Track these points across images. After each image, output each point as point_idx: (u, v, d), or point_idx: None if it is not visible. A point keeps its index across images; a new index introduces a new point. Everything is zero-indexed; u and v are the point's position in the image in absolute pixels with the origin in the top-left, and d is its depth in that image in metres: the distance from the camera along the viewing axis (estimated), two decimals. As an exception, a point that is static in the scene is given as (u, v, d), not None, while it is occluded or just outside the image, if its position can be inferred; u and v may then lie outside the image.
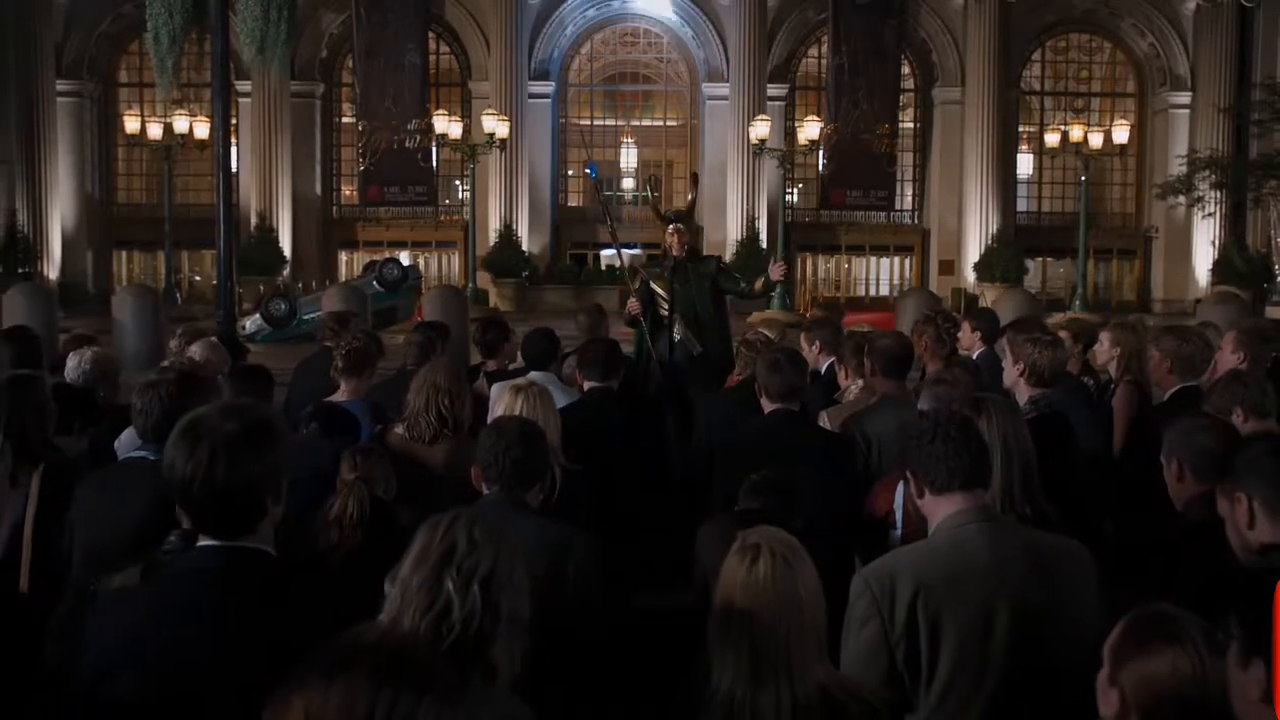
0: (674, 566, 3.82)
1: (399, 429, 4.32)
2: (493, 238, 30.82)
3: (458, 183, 33.03)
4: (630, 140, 34.97)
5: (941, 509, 2.68)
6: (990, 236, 32.02)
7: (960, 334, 5.88)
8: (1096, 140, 26.76)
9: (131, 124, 27.41)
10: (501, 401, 4.12)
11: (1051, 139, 28.05)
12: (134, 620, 2.15)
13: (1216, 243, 31.90)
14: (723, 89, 32.28)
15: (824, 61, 33.06)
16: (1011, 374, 4.56)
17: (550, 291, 30.77)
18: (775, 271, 7.79)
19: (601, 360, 5.07)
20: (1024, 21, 32.70)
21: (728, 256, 27.14)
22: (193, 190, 30.84)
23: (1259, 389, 3.91)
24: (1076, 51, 34.78)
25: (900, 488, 3.53)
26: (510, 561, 2.13)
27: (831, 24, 32.04)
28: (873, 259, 34.74)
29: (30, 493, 3.58)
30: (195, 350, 5.56)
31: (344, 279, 29.37)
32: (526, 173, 31.92)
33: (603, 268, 32.14)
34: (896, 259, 34.74)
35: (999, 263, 31.18)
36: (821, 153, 30.41)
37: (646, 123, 35.22)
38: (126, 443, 4.05)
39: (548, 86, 33.27)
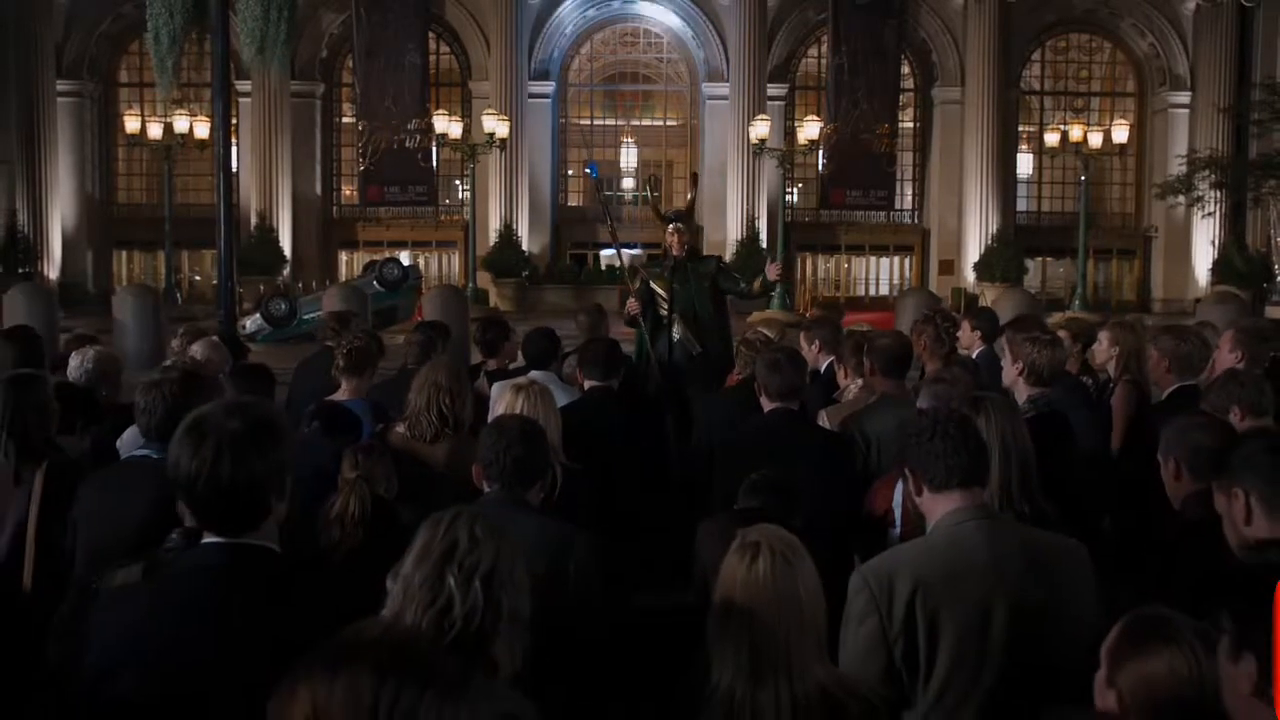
0: (674, 566, 3.83)
1: (400, 428, 4.33)
2: (493, 238, 30.84)
3: (458, 183, 33.05)
4: (630, 140, 34.99)
5: (940, 507, 2.69)
6: (990, 236, 32.05)
7: (960, 333, 5.90)
8: (1096, 140, 26.78)
9: (132, 124, 27.44)
10: (503, 400, 4.13)
11: (1051, 139, 28.07)
12: (137, 617, 2.15)
13: (1216, 242, 31.92)
14: (723, 89, 32.30)
15: (824, 61, 33.08)
16: (1010, 373, 4.58)
17: (550, 291, 30.79)
18: (771, 272, 7.80)
19: (602, 360, 5.08)
20: (1024, 21, 32.71)
21: (728, 256, 27.13)
22: (193, 190, 30.87)
23: (1256, 388, 3.92)
24: (1076, 51, 34.79)
25: (899, 487, 3.54)
26: (511, 559, 2.14)
27: (831, 24, 32.05)
28: (872, 259, 34.76)
29: (33, 491, 3.60)
30: (197, 350, 5.57)
31: (344, 279, 29.39)
32: (526, 173, 31.93)
33: (603, 268, 32.15)
34: (896, 259, 34.76)
35: (999, 262, 31.20)
36: (821, 153, 30.43)
37: (646, 123, 35.23)
38: (129, 442, 4.07)
39: (548, 86, 33.29)
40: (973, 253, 32.14)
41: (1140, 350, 5.39)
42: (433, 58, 32.96)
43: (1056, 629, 2.58)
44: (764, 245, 30.39)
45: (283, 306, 19.49)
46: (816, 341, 6.16)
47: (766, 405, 4.44)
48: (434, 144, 29.49)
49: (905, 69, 33.47)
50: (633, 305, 7.62)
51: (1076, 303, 25.31)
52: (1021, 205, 34.38)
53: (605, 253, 32.46)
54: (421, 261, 31.11)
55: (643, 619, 3.83)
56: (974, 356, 5.75)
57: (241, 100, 30.40)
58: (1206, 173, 27.73)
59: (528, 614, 2.14)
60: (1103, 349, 5.64)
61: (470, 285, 25.46)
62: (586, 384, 5.14)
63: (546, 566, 2.85)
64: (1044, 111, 34.50)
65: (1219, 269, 31.22)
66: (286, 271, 30.97)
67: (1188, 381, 4.80)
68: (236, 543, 2.16)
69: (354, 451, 3.74)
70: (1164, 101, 33.45)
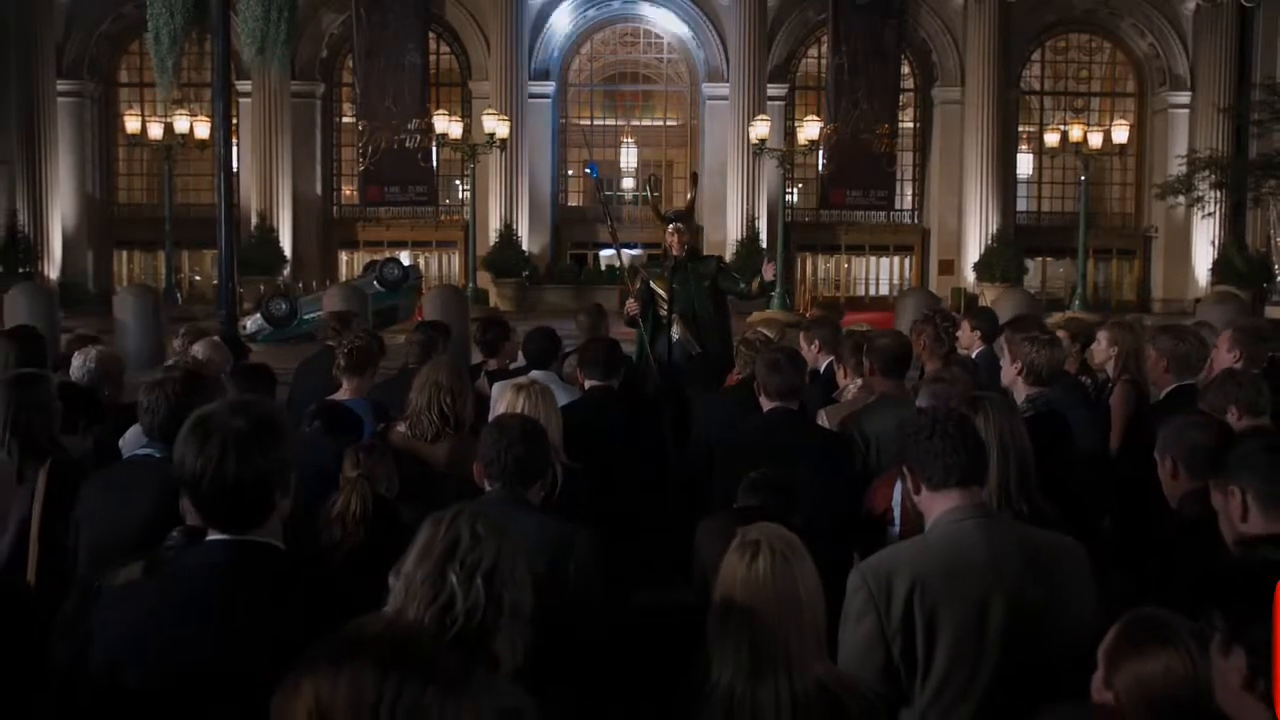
0: (673, 565, 3.84)
1: (401, 427, 4.35)
2: (493, 238, 30.84)
3: (458, 183, 33.05)
4: (630, 140, 34.99)
5: (938, 505, 2.70)
6: (990, 236, 32.04)
7: (959, 333, 5.91)
8: (1096, 140, 26.79)
9: (132, 124, 27.45)
10: (503, 400, 4.14)
11: (1051, 139, 28.08)
12: (140, 615, 2.17)
13: (1216, 242, 31.90)
14: (723, 89, 32.30)
15: (824, 61, 33.07)
16: (1009, 373, 4.59)
17: (550, 291, 30.79)
18: (767, 271, 7.84)
19: (602, 359, 5.09)
20: (1024, 21, 32.71)
21: (728, 256, 27.14)
22: (193, 190, 30.88)
23: (1254, 387, 3.94)
24: (1076, 51, 34.79)
25: (898, 486, 3.55)
26: (512, 556, 2.16)
27: (831, 24, 32.05)
28: (872, 259, 34.76)
29: (36, 490, 3.61)
30: (198, 349, 5.59)
31: (344, 279, 29.41)
32: (526, 173, 31.93)
33: (603, 268, 32.16)
34: (896, 259, 34.76)
35: (999, 262, 31.20)
36: (821, 153, 30.43)
37: (646, 123, 35.24)
38: (131, 441, 4.08)
39: (548, 86, 33.29)
40: (972, 253, 32.14)
41: (1139, 350, 5.40)
42: (433, 58, 32.95)
43: (1054, 628, 2.59)
44: (764, 245, 30.38)
45: (283, 306, 19.50)
46: (816, 341, 6.17)
47: (766, 405, 4.45)
48: (434, 144, 29.48)
49: (905, 69, 33.47)
50: (632, 305, 7.64)
51: (1076, 303, 25.32)
52: (1021, 205, 34.39)
53: (605, 253, 32.46)
54: (421, 261, 31.12)
55: (643, 618, 3.84)
56: (973, 356, 5.76)
57: (242, 100, 30.40)
58: (1206, 173, 27.71)
59: (529, 610, 2.15)
60: (1101, 349, 5.65)
61: (470, 285, 25.45)
62: (587, 384, 5.15)
63: (547, 565, 2.86)
64: (1044, 111, 34.50)
65: (1219, 269, 31.22)
66: (287, 271, 30.98)
67: (1186, 381, 4.82)
68: (242, 540, 2.17)
69: (355, 451, 3.76)
70: (1164, 101, 33.45)
